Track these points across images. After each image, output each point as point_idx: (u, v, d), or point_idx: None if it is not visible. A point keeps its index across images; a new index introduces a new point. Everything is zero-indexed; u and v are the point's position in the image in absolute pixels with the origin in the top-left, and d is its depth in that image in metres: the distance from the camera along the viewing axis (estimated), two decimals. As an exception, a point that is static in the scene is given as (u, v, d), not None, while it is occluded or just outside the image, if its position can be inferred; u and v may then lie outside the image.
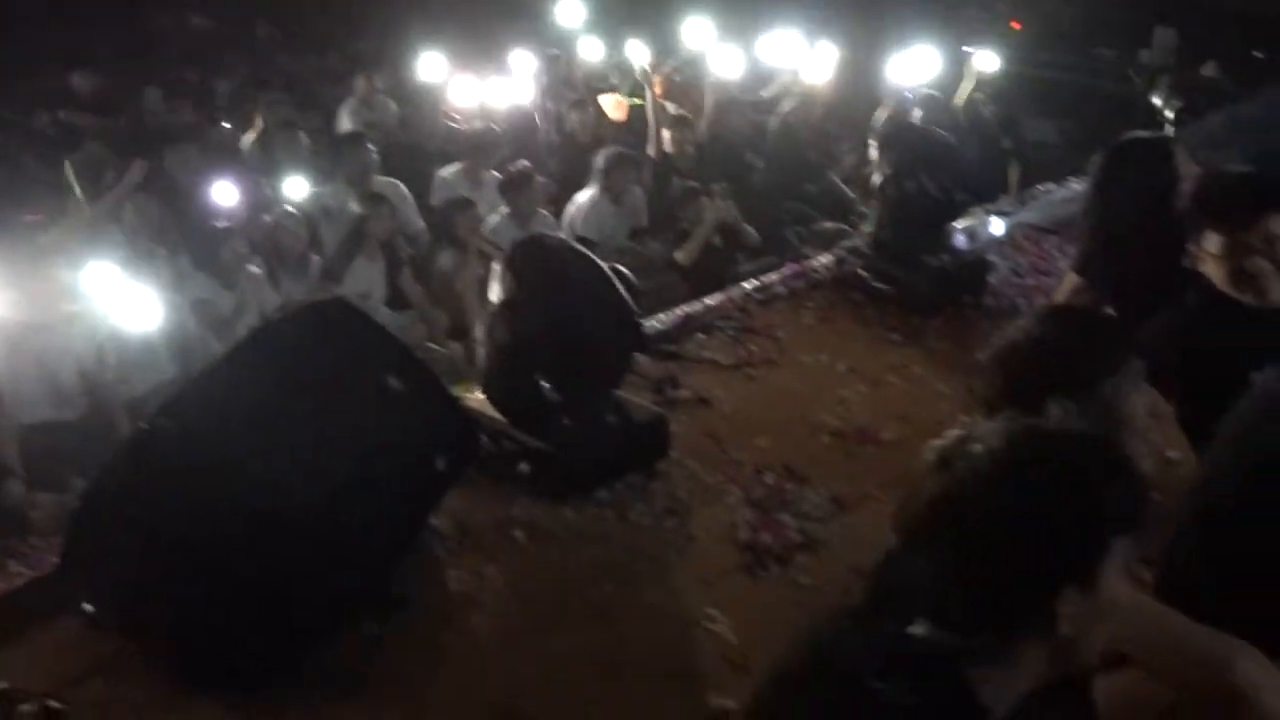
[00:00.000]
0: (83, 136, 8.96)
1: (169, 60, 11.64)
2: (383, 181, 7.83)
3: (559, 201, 8.11)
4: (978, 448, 1.83)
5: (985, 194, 7.51)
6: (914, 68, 8.73)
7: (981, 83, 8.85)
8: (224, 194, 6.99)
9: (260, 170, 7.98)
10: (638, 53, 9.42)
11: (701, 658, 3.89)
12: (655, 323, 6.01)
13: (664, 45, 9.82)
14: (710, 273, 7.30)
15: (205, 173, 7.42)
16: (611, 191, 7.86)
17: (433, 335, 6.92)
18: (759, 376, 5.80)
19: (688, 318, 6.22)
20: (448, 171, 8.37)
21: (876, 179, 6.72)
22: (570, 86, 10.09)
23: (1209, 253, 3.60)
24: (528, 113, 9.50)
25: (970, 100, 8.82)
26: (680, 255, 7.61)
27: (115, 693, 3.62)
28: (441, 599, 4.16)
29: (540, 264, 4.88)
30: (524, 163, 7.86)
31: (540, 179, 7.87)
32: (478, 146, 8.42)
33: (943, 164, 6.65)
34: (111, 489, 3.76)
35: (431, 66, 9.71)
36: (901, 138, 6.87)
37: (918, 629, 1.85)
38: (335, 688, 3.65)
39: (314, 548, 3.62)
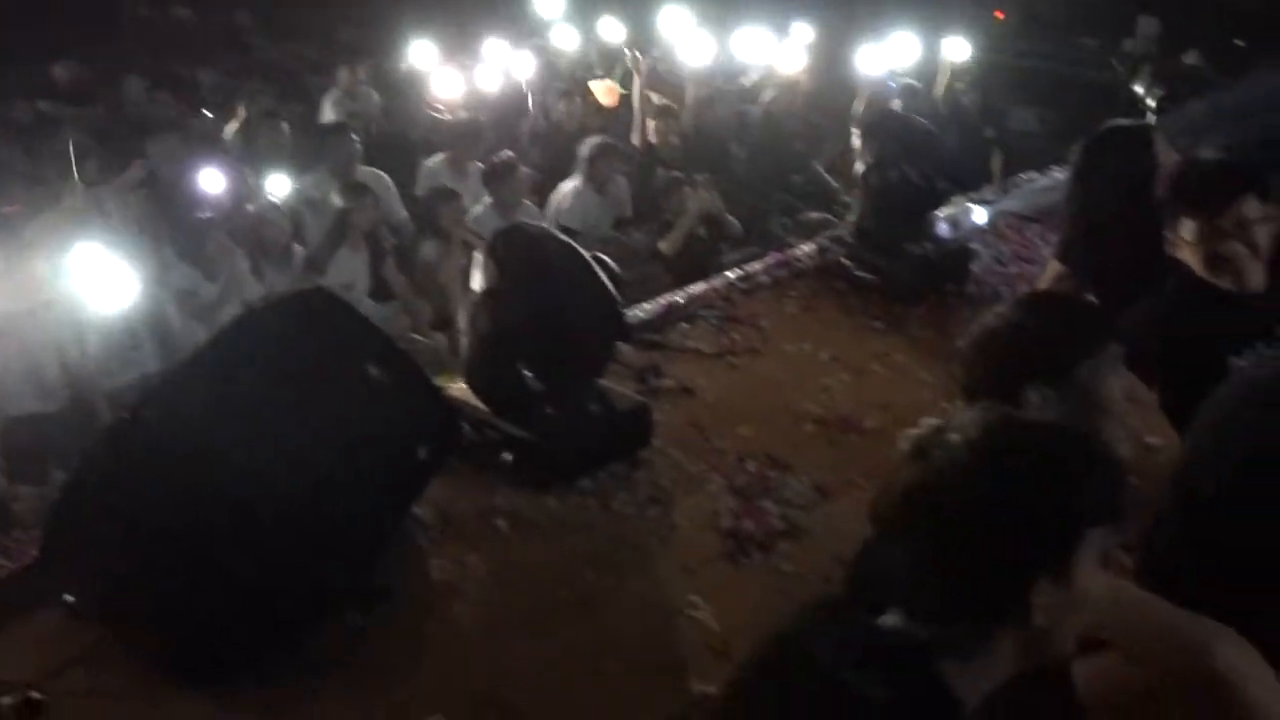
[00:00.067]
0: (63, 127, 8.92)
1: (150, 50, 11.58)
2: (366, 172, 7.81)
3: (544, 191, 8.11)
4: (954, 437, 1.83)
5: (967, 182, 7.52)
6: (893, 56, 8.75)
7: (963, 72, 8.87)
8: (211, 181, 6.98)
9: (243, 161, 7.95)
10: (611, 31, 9.42)
11: (684, 645, 3.89)
12: (638, 312, 6.01)
13: (641, 34, 9.82)
14: (694, 263, 7.31)
15: (187, 163, 7.40)
16: (596, 181, 7.86)
17: (416, 326, 6.91)
18: (742, 365, 5.80)
19: (671, 307, 6.22)
20: (432, 162, 8.36)
21: (859, 168, 6.72)
22: (556, 76, 10.08)
23: (1185, 239, 3.62)
24: (512, 102, 9.49)
25: (950, 90, 8.84)
26: (664, 245, 7.61)
27: (96, 683, 3.60)
28: (424, 588, 4.15)
29: (523, 253, 4.87)
30: (507, 153, 7.86)
31: (525, 169, 7.87)
32: (462, 137, 8.41)
33: (925, 153, 6.66)
34: (92, 479, 3.75)
35: (422, 55, 9.70)
36: (884, 127, 6.87)
37: (890, 620, 1.85)
38: (317, 678, 3.64)
39: (296, 538, 3.61)
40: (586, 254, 5.00)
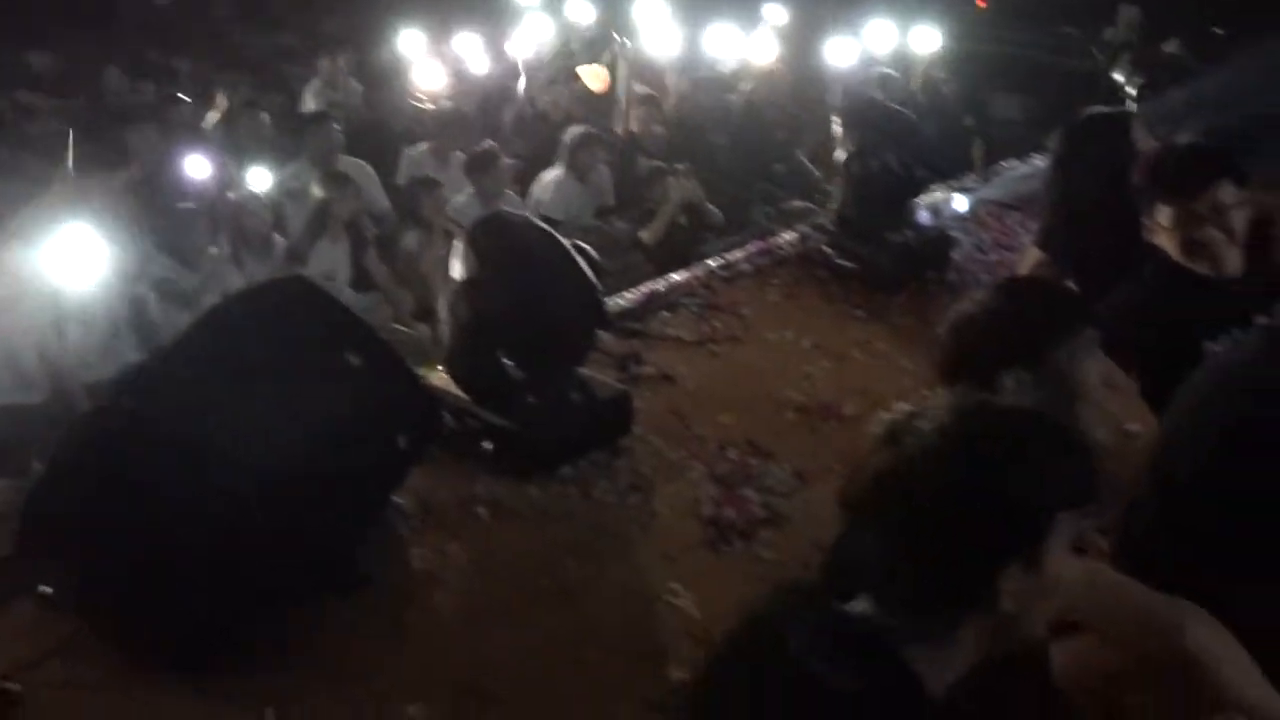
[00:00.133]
0: (41, 117, 8.88)
1: (129, 40, 11.52)
2: (348, 162, 7.78)
3: (527, 180, 8.10)
4: (925, 423, 1.82)
5: (948, 171, 7.53)
6: (869, 44, 8.76)
7: (943, 61, 8.88)
8: (196, 168, 6.95)
9: (224, 151, 7.92)
10: (580, 12, 9.41)
11: (665, 632, 3.90)
12: (619, 300, 6.02)
13: (615, 19, 9.80)
14: (676, 252, 7.30)
15: (167, 153, 7.37)
16: (578, 170, 7.85)
17: (399, 316, 6.89)
18: (723, 353, 5.81)
19: (652, 295, 6.22)
20: (415, 151, 8.34)
21: (840, 156, 6.73)
22: (541, 65, 10.07)
23: (1162, 225, 3.63)
24: (495, 91, 9.48)
25: (930, 78, 8.85)
26: (645, 235, 7.60)
27: (73, 674, 3.59)
28: (404, 577, 4.14)
29: (503, 241, 4.87)
30: (489, 142, 7.84)
31: (506, 159, 7.85)
32: (446, 126, 8.40)
33: (906, 141, 6.67)
34: (69, 469, 3.73)
35: (410, 44, 9.68)
36: (865, 115, 6.88)
37: (861, 606, 1.84)
38: (297, 667, 3.64)
39: (275, 527, 3.60)
40: (567, 242, 5.00)
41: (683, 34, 9.26)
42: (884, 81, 8.41)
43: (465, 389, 4.79)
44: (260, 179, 7.21)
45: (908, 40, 8.98)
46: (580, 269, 4.91)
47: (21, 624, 3.77)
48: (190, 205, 6.68)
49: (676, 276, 6.47)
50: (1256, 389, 2.82)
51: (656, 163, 8.14)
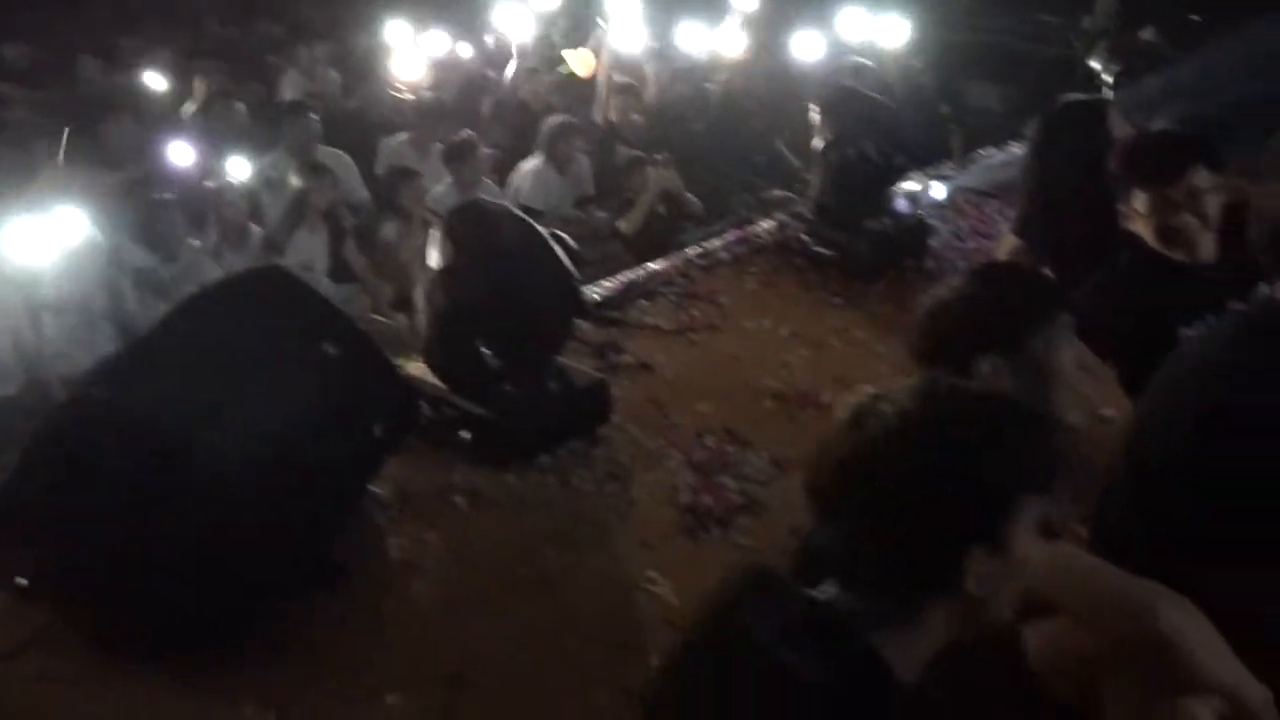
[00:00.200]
0: (16, 108, 8.82)
1: (104, 29, 11.43)
2: (326, 152, 7.76)
3: (506, 170, 8.08)
4: (888, 406, 1.82)
5: (925, 159, 7.54)
6: (842, 33, 8.77)
7: (919, 49, 8.88)
8: (176, 157, 6.94)
9: (201, 140, 7.88)
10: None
11: (643, 620, 3.90)
12: (597, 289, 6.01)
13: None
14: (655, 242, 7.30)
15: (143, 143, 7.35)
16: (556, 160, 7.85)
17: (377, 306, 6.89)
18: (701, 341, 5.81)
19: (630, 284, 6.22)
20: (394, 141, 8.32)
21: (818, 145, 6.73)
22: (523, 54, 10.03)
23: (1137, 211, 3.64)
24: (473, 81, 9.45)
25: (905, 68, 8.85)
26: (624, 224, 7.60)
27: (49, 666, 3.58)
28: (382, 567, 4.14)
29: (479, 229, 4.85)
30: (468, 132, 7.83)
31: (485, 149, 7.84)
32: (426, 116, 8.37)
33: (883, 129, 6.68)
34: (42, 459, 3.70)
35: (395, 34, 9.66)
36: (843, 103, 6.87)
37: (825, 592, 1.84)
38: (274, 658, 3.63)
39: (251, 516, 3.58)
40: (544, 231, 4.99)
41: (657, 24, 9.22)
42: (858, 70, 8.41)
43: (442, 378, 4.78)
44: (239, 168, 7.19)
45: (878, 30, 8.94)
46: (557, 257, 4.90)
47: (-4, 616, 3.75)
48: (168, 196, 6.66)
49: (655, 265, 6.47)
50: (1230, 374, 2.82)
51: (635, 152, 8.14)
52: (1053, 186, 5.06)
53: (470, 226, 4.86)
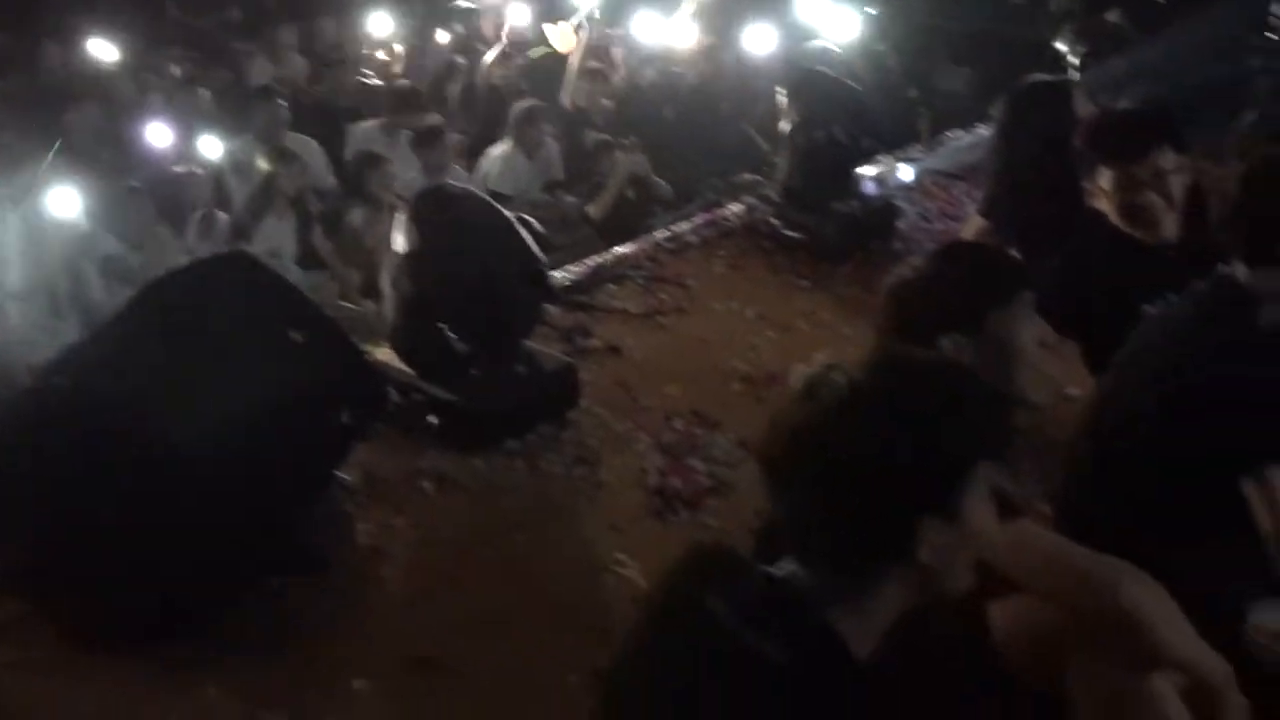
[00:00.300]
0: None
1: (67, 16, 11.31)
2: (294, 138, 7.73)
3: (475, 154, 8.06)
4: (841, 376, 1.83)
5: (892, 141, 7.55)
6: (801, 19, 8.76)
7: (885, 33, 8.88)
8: (143, 144, 6.90)
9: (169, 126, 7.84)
10: None
11: (612, 602, 3.89)
12: (565, 273, 6.00)
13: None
14: (624, 226, 7.30)
15: (109, 131, 7.31)
16: (525, 145, 7.83)
17: (345, 293, 6.86)
18: (669, 325, 5.80)
19: (598, 268, 6.21)
20: (362, 127, 8.28)
21: (785, 127, 6.73)
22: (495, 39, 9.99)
23: (1102, 189, 3.66)
24: (443, 66, 9.42)
25: (871, 52, 8.84)
26: (592, 209, 7.59)
27: (19, 656, 3.56)
28: (350, 552, 4.12)
29: (444, 213, 4.83)
30: (435, 117, 7.81)
31: (454, 134, 7.82)
32: (395, 101, 8.34)
33: (850, 111, 6.68)
34: (5, 449, 3.68)
35: (379, 25, 9.62)
36: (810, 86, 6.87)
37: (782, 569, 1.84)
38: (242, 643, 3.62)
39: (217, 502, 3.56)
40: (510, 214, 4.98)
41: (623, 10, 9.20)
42: (823, 54, 8.40)
43: (409, 363, 4.77)
44: (208, 150, 7.16)
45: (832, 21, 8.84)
46: (524, 241, 4.90)
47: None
48: (135, 183, 6.63)
49: (622, 249, 6.46)
50: (1192, 353, 2.85)
51: (604, 136, 8.13)
52: (1019, 167, 5.08)
53: (435, 210, 4.84)
